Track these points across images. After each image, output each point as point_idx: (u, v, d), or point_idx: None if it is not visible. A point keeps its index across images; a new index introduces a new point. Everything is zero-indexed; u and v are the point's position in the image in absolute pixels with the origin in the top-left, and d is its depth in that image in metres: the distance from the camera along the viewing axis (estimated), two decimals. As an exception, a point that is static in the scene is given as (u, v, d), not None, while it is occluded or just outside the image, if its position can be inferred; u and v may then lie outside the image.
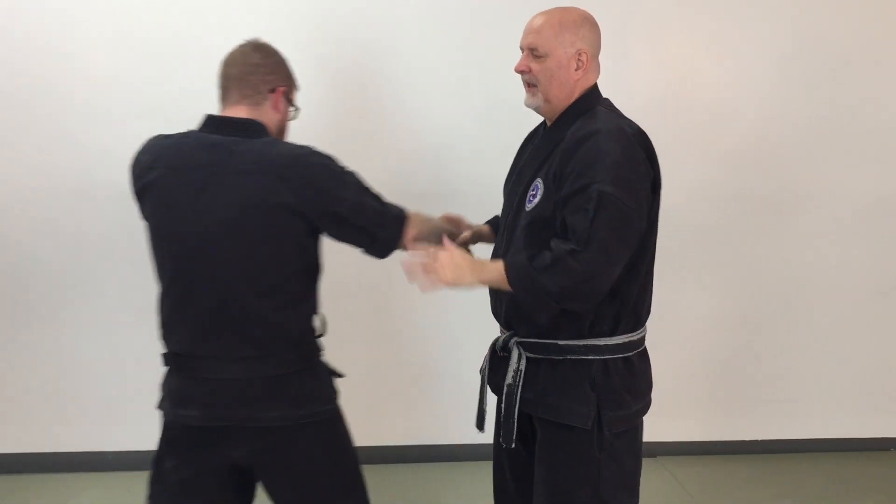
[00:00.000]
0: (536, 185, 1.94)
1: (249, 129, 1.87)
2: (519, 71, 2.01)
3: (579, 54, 1.97)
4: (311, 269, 1.93)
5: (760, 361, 3.57)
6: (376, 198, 1.94)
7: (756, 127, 3.40)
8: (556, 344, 1.96)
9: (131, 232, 2.99)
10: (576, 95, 2.00)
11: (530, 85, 2.00)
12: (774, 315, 3.56)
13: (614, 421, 1.94)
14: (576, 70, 1.97)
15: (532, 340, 1.99)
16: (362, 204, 1.88)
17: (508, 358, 2.02)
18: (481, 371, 2.18)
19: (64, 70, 3.06)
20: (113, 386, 3.28)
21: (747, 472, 3.47)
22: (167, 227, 1.85)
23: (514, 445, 2.00)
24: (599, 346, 1.95)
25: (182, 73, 3.06)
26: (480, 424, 2.17)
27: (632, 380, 1.99)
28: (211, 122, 1.90)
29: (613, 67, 3.30)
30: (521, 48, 2.01)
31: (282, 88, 1.95)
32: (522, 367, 1.98)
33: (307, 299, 1.93)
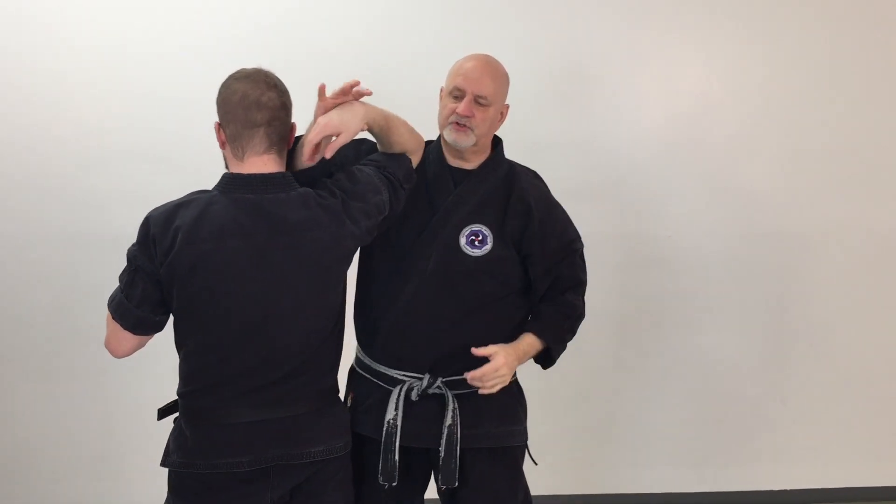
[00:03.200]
0: (481, 233, 2.04)
1: (282, 184, 1.78)
2: (465, 115, 2.00)
3: (505, 108, 2.12)
4: None
5: (786, 405, 3.46)
6: (365, 165, 1.94)
7: (778, 162, 3.34)
8: None
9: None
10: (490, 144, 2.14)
11: (465, 126, 2.01)
12: (799, 357, 3.45)
13: (527, 431, 2.18)
14: (498, 122, 2.11)
15: (459, 378, 2.03)
16: (381, 168, 1.91)
17: (428, 402, 2.04)
18: (389, 423, 2.03)
19: (55, 116, 3.02)
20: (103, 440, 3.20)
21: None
22: (226, 302, 1.74)
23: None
24: None
25: (177, 115, 3.00)
26: (393, 477, 2.03)
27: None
28: (239, 183, 1.76)
29: (626, 103, 3.27)
30: (460, 90, 2.01)
31: (294, 125, 1.86)
32: (456, 405, 2.03)
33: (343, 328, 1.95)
